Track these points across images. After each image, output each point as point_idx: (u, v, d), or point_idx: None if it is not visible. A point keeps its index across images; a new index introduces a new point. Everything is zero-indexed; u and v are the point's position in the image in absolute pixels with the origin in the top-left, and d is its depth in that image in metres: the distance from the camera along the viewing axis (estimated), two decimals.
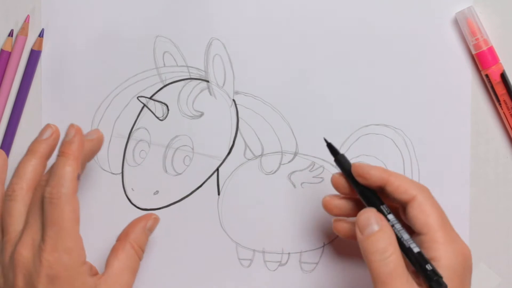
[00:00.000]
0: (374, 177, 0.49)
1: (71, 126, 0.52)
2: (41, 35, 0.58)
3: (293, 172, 0.57)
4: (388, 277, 0.46)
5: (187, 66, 0.58)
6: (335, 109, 0.57)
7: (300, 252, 0.57)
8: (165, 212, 0.58)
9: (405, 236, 0.48)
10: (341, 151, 0.57)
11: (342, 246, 0.57)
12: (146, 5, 0.58)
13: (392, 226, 0.48)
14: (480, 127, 0.57)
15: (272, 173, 0.57)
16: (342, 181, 0.51)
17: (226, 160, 0.58)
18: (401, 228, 0.48)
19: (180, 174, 0.58)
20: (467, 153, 0.57)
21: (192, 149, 0.58)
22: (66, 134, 0.52)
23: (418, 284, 0.46)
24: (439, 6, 0.56)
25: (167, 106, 0.58)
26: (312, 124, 0.57)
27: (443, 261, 0.47)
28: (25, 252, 0.49)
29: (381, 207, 0.49)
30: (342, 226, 0.52)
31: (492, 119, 0.57)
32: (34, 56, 0.58)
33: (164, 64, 0.58)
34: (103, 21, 0.58)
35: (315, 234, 0.57)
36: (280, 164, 0.57)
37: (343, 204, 0.52)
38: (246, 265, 0.58)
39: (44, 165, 0.53)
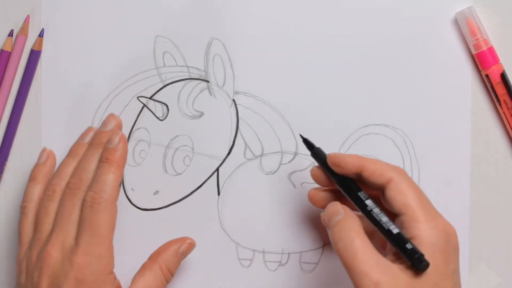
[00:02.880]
0: (349, 165, 0.49)
1: (116, 133, 0.53)
2: (41, 35, 0.58)
3: (293, 172, 0.57)
4: (353, 261, 0.46)
5: (187, 66, 0.58)
6: (335, 109, 0.57)
7: (300, 252, 0.57)
8: (165, 212, 0.58)
9: (384, 218, 0.47)
10: (341, 151, 0.57)
11: None
12: (146, 5, 0.58)
13: (371, 211, 0.48)
14: (480, 127, 0.57)
15: (272, 173, 0.57)
16: (320, 174, 0.52)
17: (226, 160, 0.58)
18: (380, 211, 0.48)
19: (180, 174, 0.58)
20: (467, 153, 0.57)
21: (192, 149, 0.58)
22: (110, 141, 0.52)
23: (400, 269, 0.46)
24: (439, 6, 0.56)
25: (167, 106, 0.58)
26: (312, 124, 0.57)
27: (423, 239, 0.46)
28: (54, 253, 0.49)
29: (359, 193, 0.49)
30: (318, 196, 0.53)
31: (492, 119, 0.57)
32: (34, 56, 0.58)
33: (164, 64, 0.58)
34: (103, 21, 0.58)
35: (315, 234, 0.57)
36: (280, 164, 0.57)
37: (327, 196, 0.52)
38: (246, 265, 0.58)
39: None
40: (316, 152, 0.52)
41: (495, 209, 0.57)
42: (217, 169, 0.58)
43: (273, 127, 0.57)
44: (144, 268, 0.54)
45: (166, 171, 0.58)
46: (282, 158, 0.57)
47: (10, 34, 0.58)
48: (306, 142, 0.53)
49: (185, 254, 0.56)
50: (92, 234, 0.49)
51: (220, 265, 0.58)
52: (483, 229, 0.56)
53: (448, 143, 0.57)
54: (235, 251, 0.58)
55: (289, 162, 0.57)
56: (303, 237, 0.57)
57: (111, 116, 0.56)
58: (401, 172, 0.49)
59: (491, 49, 0.55)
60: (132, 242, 0.57)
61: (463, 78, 0.56)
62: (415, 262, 0.45)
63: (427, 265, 0.45)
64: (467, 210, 0.56)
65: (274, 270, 0.58)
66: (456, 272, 0.47)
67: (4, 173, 0.58)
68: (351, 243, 0.46)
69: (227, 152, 0.58)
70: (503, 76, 0.55)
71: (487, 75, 0.55)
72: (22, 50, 0.58)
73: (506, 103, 0.55)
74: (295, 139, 0.57)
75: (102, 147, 0.53)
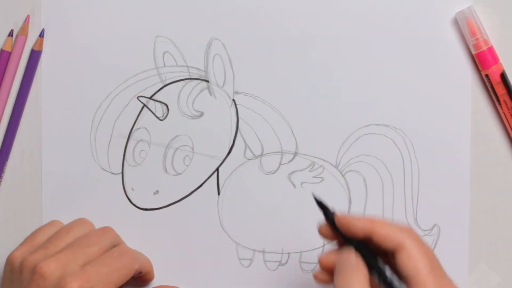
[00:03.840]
0: (358, 229, 0.47)
1: None
2: (41, 35, 0.58)
3: (293, 172, 0.57)
4: None
5: (187, 66, 0.58)
6: (335, 109, 0.57)
7: (300, 252, 0.58)
8: (165, 212, 0.58)
9: (396, 282, 0.46)
10: (341, 151, 0.57)
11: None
12: (146, 5, 0.58)
13: (382, 278, 0.46)
14: (480, 127, 0.56)
15: (272, 173, 0.57)
16: (328, 231, 0.49)
17: (226, 160, 0.58)
18: (391, 277, 0.46)
19: (180, 174, 0.58)
20: (467, 153, 0.57)
21: (192, 149, 0.58)
22: None
23: None
24: (439, 6, 0.56)
25: (167, 106, 0.58)
26: (312, 124, 0.57)
27: None
28: (54, 267, 0.49)
29: (366, 257, 0.47)
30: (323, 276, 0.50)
31: (492, 119, 0.57)
32: (34, 56, 0.58)
33: (164, 64, 0.58)
34: (103, 21, 0.58)
35: (315, 234, 0.57)
36: (280, 164, 0.57)
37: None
38: (246, 265, 0.58)
39: None
40: (328, 214, 0.49)
41: (495, 209, 0.57)
42: (217, 169, 0.58)
43: (273, 127, 0.57)
44: None
45: (166, 171, 0.58)
46: (282, 158, 0.57)
47: (10, 34, 0.58)
48: (319, 203, 0.49)
49: None
50: (106, 272, 0.49)
51: (220, 265, 0.58)
52: (483, 229, 0.56)
53: (448, 143, 0.57)
54: (235, 251, 0.58)
55: (289, 162, 0.57)
56: (303, 237, 0.57)
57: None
58: (413, 235, 0.47)
59: (491, 49, 0.55)
60: (132, 242, 0.57)
61: (463, 78, 0.56)
62: None
63: None
64: (467, 210, 0.56)
65: (274, 270, 0.58)
66: None
67: (4, 173, 0.58)
68: None
69: (227, 152, 0.58)
70: (503, 76, 0.55)
71: (487, 75, 0.55)
72: (22, 50, 0.58)
73: (506, 103, 0.55)
74: (295, 139, 0.57)
75: None
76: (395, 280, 0.46)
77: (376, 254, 0.47)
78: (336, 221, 0.48)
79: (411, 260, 0.46)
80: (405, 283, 0.46)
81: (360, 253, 0.47)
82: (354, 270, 0.46)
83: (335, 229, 0.48)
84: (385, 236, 0.47)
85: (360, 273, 0.46)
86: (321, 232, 0.49)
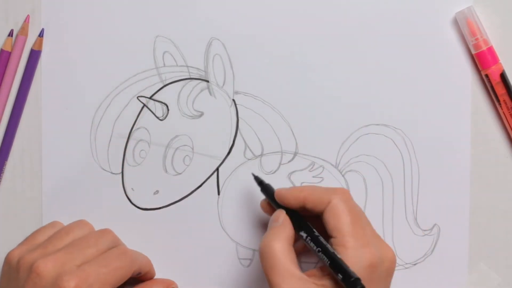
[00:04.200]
0: (292, 200, 0.50)
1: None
2: (41, 35, 0.58)
3: (293, 172, 0.57)
4: (269, 269, 0.47)
5: (187, 66, 0.58)
6: (335, 109, 0.57)
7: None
8: (165, 212, 0.58)
9: (323, 241, 0.48)
10: (341, 151, 0.57)
11: None
12: (146, 5, 0.58)
13: (309, 241, 0.49)
14: (480, 127, 0.57)
15: (272, 173, 0.57)
16: (268, 206, 0.54)
17: (226, 160, 0.58)
18: (316, 242, 0.48)
19: (180, 174, 0.58)
20: (467, 153, 0.57)
21: (192, 149, 0.58)
22: None
23: (322, 285, 0.47)
24: (439, 6, 0.56)
25: (167, 106, 0.58)
26: (312, 124, 0.57)
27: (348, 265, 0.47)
28: (51, 266, 0.49)
29: (297, 224, 0.50)
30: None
31: (492, 119, 0.57)
32: (34, 56, 0.58)
33: (164, 64, 0.58)
34: (103, 21, 0.58)
35: None
36: (280, 164, 0.57)
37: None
38: (246, 264, 0.58)
39: None
40: (265, 188, 0.54)
41: (495, 209, 0.57)
42: (217, 169, 0.58)
43: (273, 127, 0.57)
44: None
45: (166, 171, 0.58)
46: (282, 158, 0.57)
47: (10, 34, 0.58)
48: (256, 178, 0.54)
49: None
50: (103, 272, 0.49)
51: (220, 265, 0.58)
52: (483, 229, 0.56)
53: (448, 143, 0.57)
54: (235, 251, 0.58)
55: (289, 162, 0.57)
56: None
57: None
58: (343, 194, 0.49)
59: (490, 49, 0.55)
60: (132, 242, 0.57)
61: (463, 78, 0.57)
62: (350, 285, 0.45)
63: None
64: (467, 210, 0.56)
65: None
66: None
67: (4, 173, 0.58)
68: (272, 252, 0.47)
69: (227, 152, 0.58)
70: (503, 76, 0.55)
71: (487, 75, 0.55)
72: (22, 50, 0.58)
73: (506, 103, 0.55)
74: (295, 139, 0.57)
75: None
76: (320, 239, 0.48)
77: (303, 219, 0.50)
78: (275, 195, 0.52)
79: (334, 217, 0.48)
80: (329, 239, 0.48)
81: (291, 218, 0.51)
82: (279, 229, 0.49)
83: (274, 203, 0.52)
84: (316, 199, 0.49)
85: (284, 232, 0.49)
86: (262, 207, 0.54)
